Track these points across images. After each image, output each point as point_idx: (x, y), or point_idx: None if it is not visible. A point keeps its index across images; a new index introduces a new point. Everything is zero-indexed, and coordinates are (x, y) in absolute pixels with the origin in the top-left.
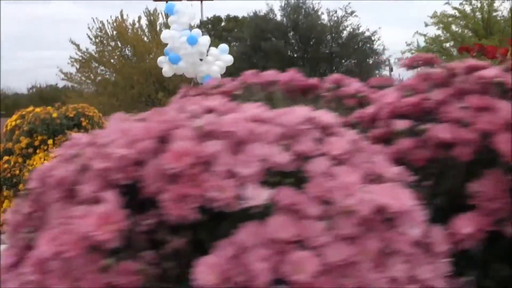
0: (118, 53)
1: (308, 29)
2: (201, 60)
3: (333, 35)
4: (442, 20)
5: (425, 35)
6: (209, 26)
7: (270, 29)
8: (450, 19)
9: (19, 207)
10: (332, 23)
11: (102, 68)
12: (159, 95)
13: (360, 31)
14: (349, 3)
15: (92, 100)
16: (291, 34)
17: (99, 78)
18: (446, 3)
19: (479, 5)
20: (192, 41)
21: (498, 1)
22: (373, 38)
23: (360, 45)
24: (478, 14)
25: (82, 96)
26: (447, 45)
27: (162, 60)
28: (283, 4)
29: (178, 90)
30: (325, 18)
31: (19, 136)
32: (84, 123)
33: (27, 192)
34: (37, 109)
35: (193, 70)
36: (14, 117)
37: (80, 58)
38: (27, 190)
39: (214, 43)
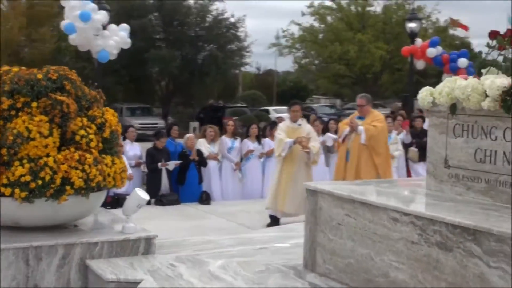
0: None
1: (173, 10)
2: (96, 35)
3: (198, 18)
4: (318, 12)
5: (300, 25)
6: None
7: (135, 7)
8: (326, 11)
9: None
10: (197, 6)
11: None
12: (14, 69)
13: (224, 16)
14: None
15: None
16: (155, 14)
17: None
18: None
19: None
20: (85, 18)
21: None
22: (237, 25)
23: (224, 30)
24: (353, 8)
25: None
26: (322, 35)
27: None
28: None
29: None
30: (191, 0)
31: None
32: (68, 87)
33: None
34: (14, 69)
35: (87, 44)
36: None
37: None
38: None
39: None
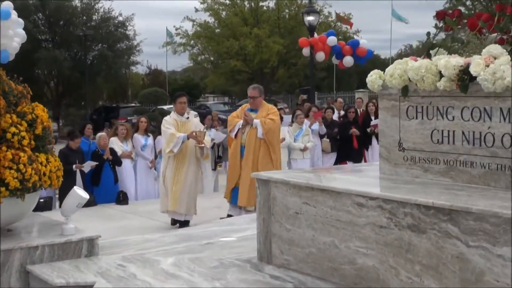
0: None
1: (57, 9)
2: None
3: (84, 17)
4: (212, 7)
5: (194, 21)
6: None
7: (17, 7)
8: (220, 6)
9: None
10: (83, 5)
11: None
12: None
13: (112, 15)
14: None
15: None
16: (39, 14)
17: None
18: None
19: None
20: (5, 16)
21: None
22: (126, 24)
23: (112, 29)
24: (247, 3)
25: None
26: (218, 31)
27: None
28: None
29: None
30: None
31: None
32: None
33: None
34: None
35: None
36: None
37: None
38: None
39: None
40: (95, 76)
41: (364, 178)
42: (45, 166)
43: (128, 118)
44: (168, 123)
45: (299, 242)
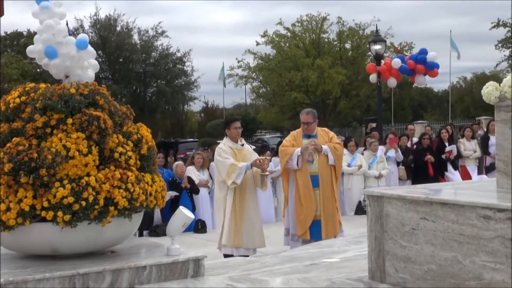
0: None
1: (117, 47)
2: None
3: (144, 54)
4: (273, 40)
5: (255, 54)
6: (7, 41)
7: None
8: (282, 39)
9: None
10: (142, 42)
11: None
12: (42, 85)
13: (170, 51)
14: (159, 23)
15: None
16: (99, 52)
17: None
18: (279, 23)
19: (310, 26)
20: (83, 46)
21: (326, 22)
22: (184, 60)
23: (171, 65)
24: (307, 36)
25: None
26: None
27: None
28: (93, 21)
29: None
30: (136, 37)
31: (32, 114)
32: (100, 102)
33: None
34: (42, 85)
35: (64, 71)
36: (15, 93)
37: None
38: None
39: (16, 58)
40: (154, 112)
41: (482, 192)
42: (151, 186)
43: (187, 153)
44: (225, 152)
45: (416, 259)
